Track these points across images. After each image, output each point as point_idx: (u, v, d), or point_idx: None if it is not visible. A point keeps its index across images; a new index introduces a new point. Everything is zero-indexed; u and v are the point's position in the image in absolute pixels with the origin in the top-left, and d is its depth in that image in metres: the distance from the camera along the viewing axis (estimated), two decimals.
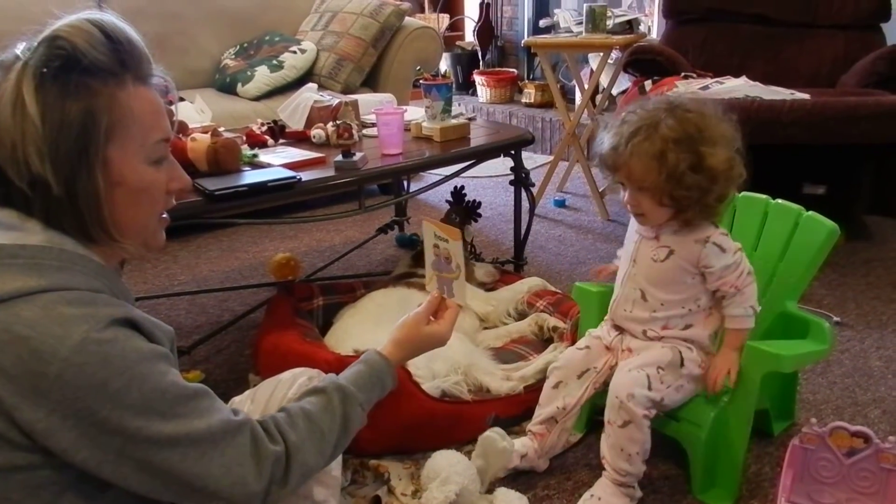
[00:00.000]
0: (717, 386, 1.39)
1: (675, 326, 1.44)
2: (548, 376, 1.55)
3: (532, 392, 1.65)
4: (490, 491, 1.45)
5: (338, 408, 1.03)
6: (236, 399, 1.23)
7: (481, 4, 5.06)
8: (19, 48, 0.83)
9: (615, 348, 1.52)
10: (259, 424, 0.93)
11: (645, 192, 1.37)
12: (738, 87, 2.58)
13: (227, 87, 3.26)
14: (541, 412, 1.53)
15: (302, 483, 0.97)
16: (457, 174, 2.25)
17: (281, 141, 2.12)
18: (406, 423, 1.52)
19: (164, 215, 0.97)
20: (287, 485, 0.93)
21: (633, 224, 1.52)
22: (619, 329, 1.54)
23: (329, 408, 1.02)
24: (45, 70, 0.80)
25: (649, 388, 1.37)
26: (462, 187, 2.39)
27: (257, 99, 3.16)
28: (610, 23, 3.26)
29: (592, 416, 1.63)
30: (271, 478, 0.90)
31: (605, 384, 1.48)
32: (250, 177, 1.71)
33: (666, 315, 1.44)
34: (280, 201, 1.71)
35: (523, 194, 2.35)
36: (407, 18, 3.46)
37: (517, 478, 1.51)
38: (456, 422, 1.59)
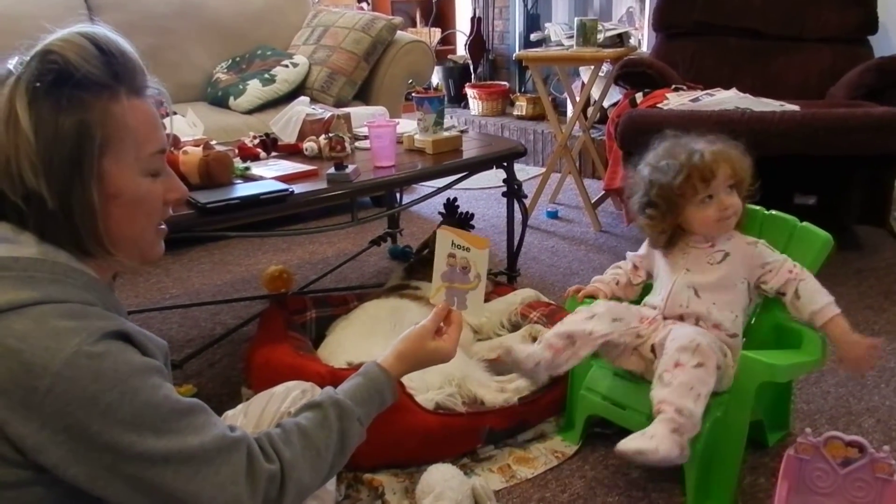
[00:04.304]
0: (867, 366, 1.43)
1: (724, 331, 1.49)
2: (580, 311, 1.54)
3: (527, 404, 1.65)
4: None
5: (334, 423, 0.99)
6: (229, 413, 1.22)
7: (473, 18, 5.10)
8: (11, 63, 0.83)
9: (655, 321, 1.53)
10: (254, 441, 0.91)
11: (735, 190, 1.49)
12: (728, 98, 2.60)
13: (220, 100, 3.27)
14: (562, 326, 1.49)
15: (298, 502, 0.94)
16: (449, 186, 2.25)
17: (273, 154, 2.12)
18: (400, 436, 1.51)
19: (162, 226, 0.96)
20: None
21: (658, 254, 1.59)
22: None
23: (325, 423, 0.99)
24: (37, 84, 0.80)
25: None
26: (455, 199, 2.39)
27: (249, 112, 3.17)
28: (600, 36, 3.28)
29: (587, 429, 1.63)
30: (265, 497, 0.88)
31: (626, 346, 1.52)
32: (242, 190, 1.70)
33: (718, 318, 1.48)
34: (272, 214, 1.71)
35: (516, 206, 2.35)
36: (399, 32, 3.48)
37: (512, 490, 1.50)
38: (450, 434, 1.58)
